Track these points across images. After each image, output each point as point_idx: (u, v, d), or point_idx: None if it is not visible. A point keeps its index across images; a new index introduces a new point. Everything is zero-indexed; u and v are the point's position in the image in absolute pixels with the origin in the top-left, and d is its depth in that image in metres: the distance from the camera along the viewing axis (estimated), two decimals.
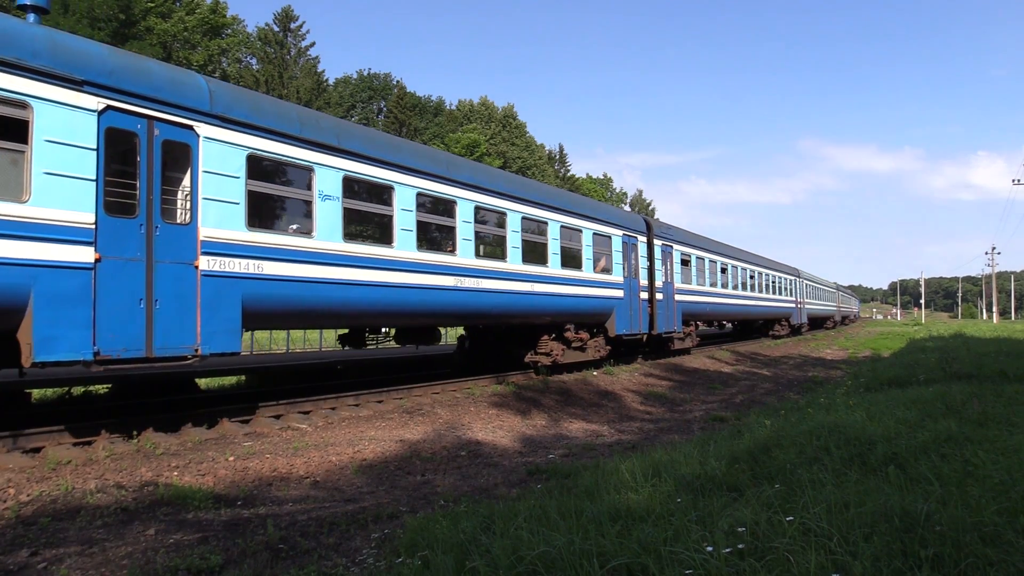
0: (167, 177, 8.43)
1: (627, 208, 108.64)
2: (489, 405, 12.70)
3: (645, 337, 20.50)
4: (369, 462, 8.50)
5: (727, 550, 3.68)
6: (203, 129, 8.72)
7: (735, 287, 30.67)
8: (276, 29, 63.05)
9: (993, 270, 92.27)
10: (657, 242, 21.64)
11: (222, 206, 8.87)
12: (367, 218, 11.61)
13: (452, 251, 12.86)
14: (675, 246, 23.22)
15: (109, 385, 12.43)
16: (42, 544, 5.30)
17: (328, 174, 10.36)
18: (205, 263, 8.57)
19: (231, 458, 8.09)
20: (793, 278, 43.33)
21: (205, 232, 8.62)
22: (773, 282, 38.02)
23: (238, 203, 9.06)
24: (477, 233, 13.48)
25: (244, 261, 9.04)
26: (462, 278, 12.81)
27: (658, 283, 21.28)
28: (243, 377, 15.25)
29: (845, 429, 6.81)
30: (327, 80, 69.84)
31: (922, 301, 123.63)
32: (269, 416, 10.55)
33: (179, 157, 8.61)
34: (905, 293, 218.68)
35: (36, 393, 11.81)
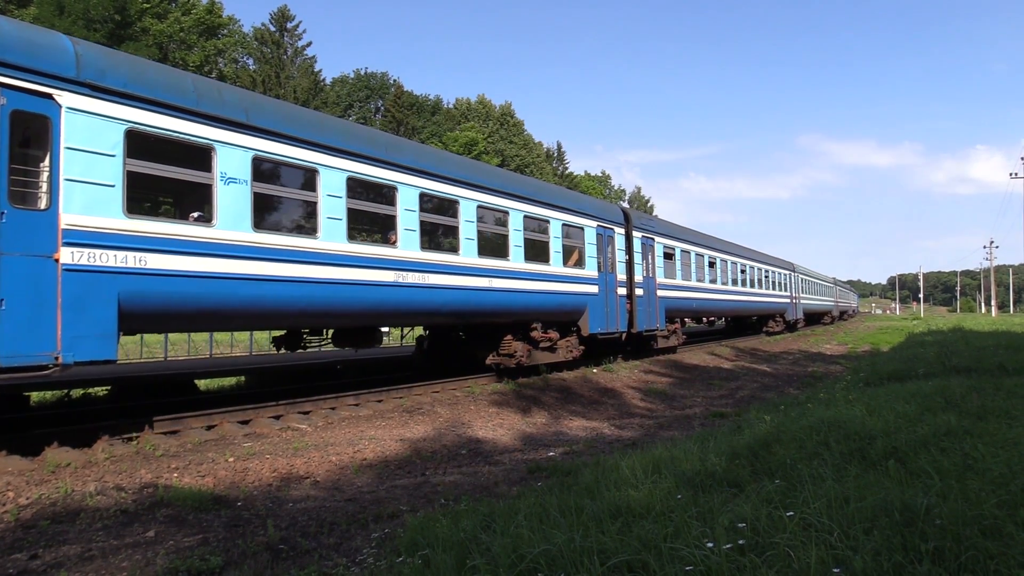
0: (19, 155, 7.26)
1: (626, 205, 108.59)
2: (489, 403, 12.69)
3: (624, 336, 19.24)
4: (369, 461, 8.50)
5: (727, 546, 3.68)
6: (67, 99, 7.47)
7: (725, 282, 29.30)
8: (272, 29, 62.96)
9: (992, 264, 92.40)
10: (636, 234, 20.33)
11: (92, 189, 7.62)
12: (284, 205, 10.62)
13: (392, 243, 11.62)
14: (657, 239, 21.92)
15: (108, 387, 12.42)
16: (42, 547, 5.29)
17: (233, 155, 9.07)
18: (68, 256, 7.36)
19: (231, 459, 8.08)
20: (788, 273, 42.26)
21: (68, 219, 7.39)
22: (766, 277, 36.88)
23: (113, 186, 7.81)
24: (424, 223, 12.23)
25: (121, 253, 7.82)
26: (404, 273, 11.53)
27: (638, 278, 20.03)
28: (242, 378, 15.24)
29: (845, 424, 6.82)
30: (324, 80, 69.79)
31: (921, 295, 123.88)
32: (269, 416, 10.55)
33: (36, 131, 7.51)
34: (904, 288, 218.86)
35: (35, 395, 11.80)
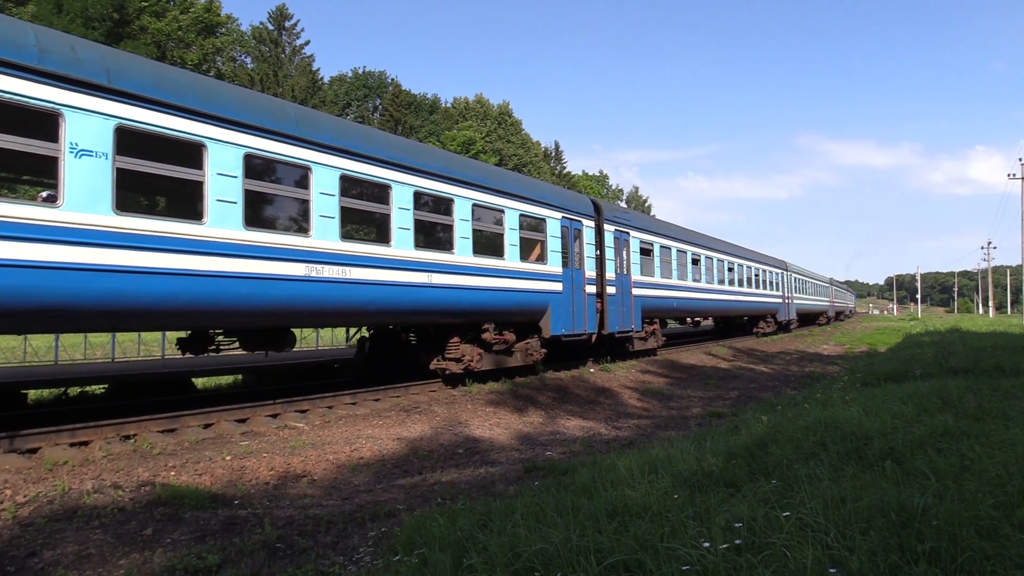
0: None
1: (623, 205, 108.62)
2: (486, 403, 12.70)
3: (593, 338, 17.53)
4: (366, 460, 8.50)
5: (724, 546, 3.69)
6: None
7: (710, 280, 27.74)
8: (271, 27, 62.90)
9: (989, 265, 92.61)
10: (609, 228, 18.71)
11: None
12: (159, 185, 9.24)
13: (304, 232, 10.11)
14: (632, 233, 20.29)
15: (106, 385, 12.41)
16: (39, 545, 5.28)
17: (87, 123, 7.54)
18: None
19: (228, 457, 8.08)
20: (780, 271, 40.67)
21: None
22: (756, 275, 35.18)
23: None
24: (345, 209, 10.74)
25: None
26: (319, 266, 10.11)
27: (610, 275, 18.41)
28: (240, 376, 15.23)
29: (842, 424, 6.83)
30: (322, 78, 69.73)
31: (918, 296, 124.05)
32: (266, 415, 10.54)
33: None
34: (901, 288, 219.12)
35: (32, 394, 11.79)
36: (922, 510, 4.04)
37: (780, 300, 39.85)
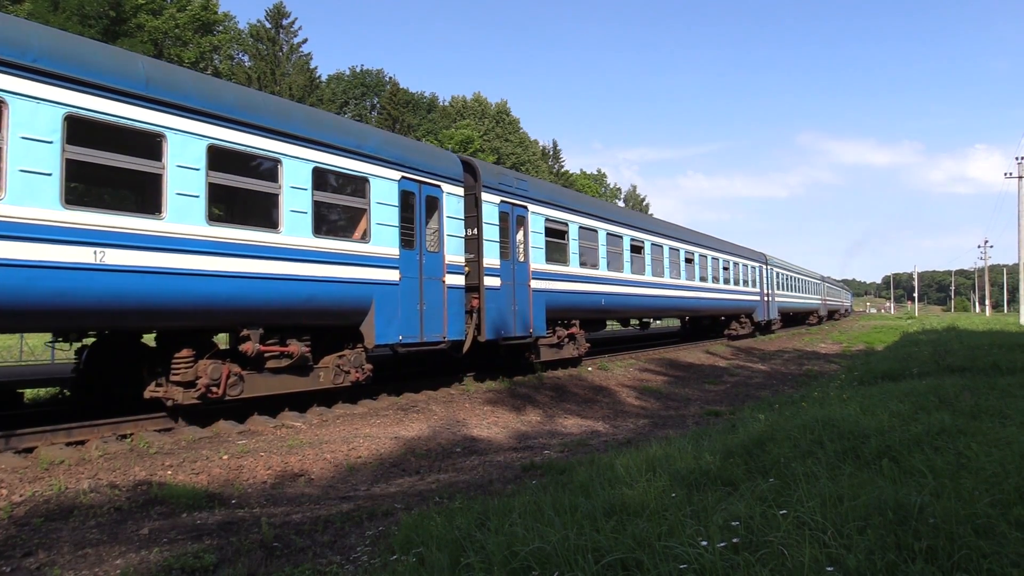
0: None
1: (620, 204, 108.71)
2: (484, 401, 12.70)
3: (464, 346, 13.50)
4: (364, 459, 8.49)
5: (722, 544, 3.69)
6: None
7: (658, 273, 22.91)
8: (268, 26, 62.71)
9: (986, 263, 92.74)
10: (490, 198, 14.23)
11: None
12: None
13: None
14: (533, 208, 15.75)
15: None
16: (35, 545, 5.27)
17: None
18: None
19: (225, 456, 8.06)
20: (758, 265, 36.22)
21: None
22: (725, 268, 30.77)
23: None
24: None
25: None
26: None
27: (491, 261, 14.00)
28: None
29: (839, 423, 6.84)
30: (320, 77, 69.55)
31: (915, 295, 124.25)
32: (263, 414, 10.51)
33: None
34: (898, 287, 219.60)
35: (28, 393, 11.77)
36: (919, 508, 4.04)
37: (758, 298, 35.70)
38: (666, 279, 23.58)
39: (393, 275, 11.62)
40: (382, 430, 10.09)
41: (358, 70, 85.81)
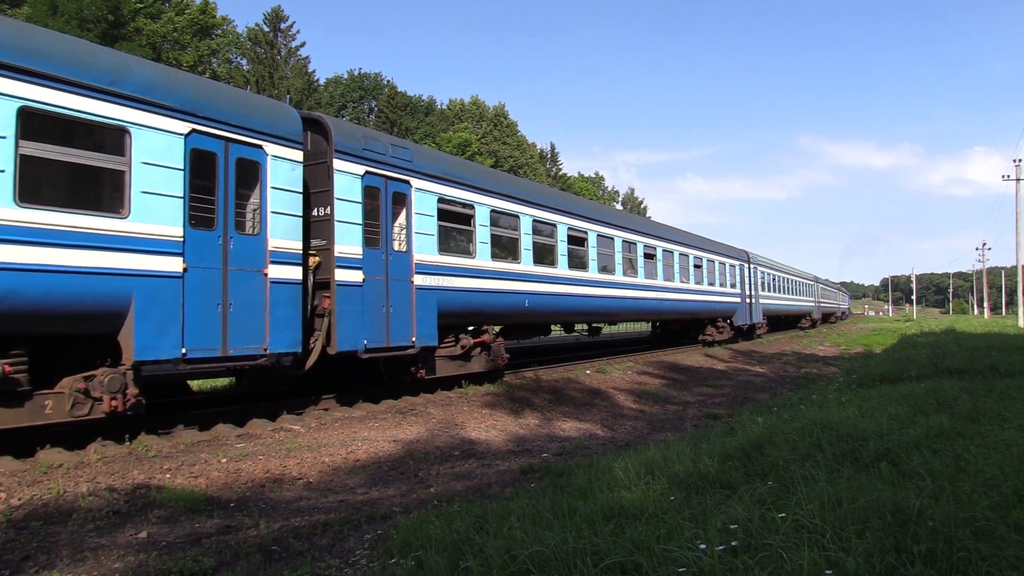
0: None
1: (619, 207, 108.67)
2: (482, 405, 12.69)
3: (309, 361, 10.62)
4: (362, 462, 8.48)
5: (720, 547, 3.69)
6: None
7: (608, 270, 19.64)
8: (266, 29, 62.81)
9: (984, 266, 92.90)
10: (349, 168, 11.23)
11: None
12: None
13: None
14: (417, 183, 12.59)
15: None
16: (34, 548, 5.26)
17: None
18: None
19: (224, 460, 8.05)
20: (739, 264, 33.20)
21: None
22: (697, 266, 27.31)
23: None
24: None
25: None
26: None
27: (351, 250, 11.10)
28: (235, 378, 15.18)
29: (837, 426, 6.83)
30: (318, 80, 69.73)
31: (914, 297, 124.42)
32: (262, 417, 10.51)
33: None
34: (897, 289, 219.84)
35: None
36: (918, 511, 4.04)
37: (738, 299, 32.56)
38: (618, 277, 20.23)
39: (170, 264, 8.56)
40: (380, 433, 10.08)
41: (356, 73, 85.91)
